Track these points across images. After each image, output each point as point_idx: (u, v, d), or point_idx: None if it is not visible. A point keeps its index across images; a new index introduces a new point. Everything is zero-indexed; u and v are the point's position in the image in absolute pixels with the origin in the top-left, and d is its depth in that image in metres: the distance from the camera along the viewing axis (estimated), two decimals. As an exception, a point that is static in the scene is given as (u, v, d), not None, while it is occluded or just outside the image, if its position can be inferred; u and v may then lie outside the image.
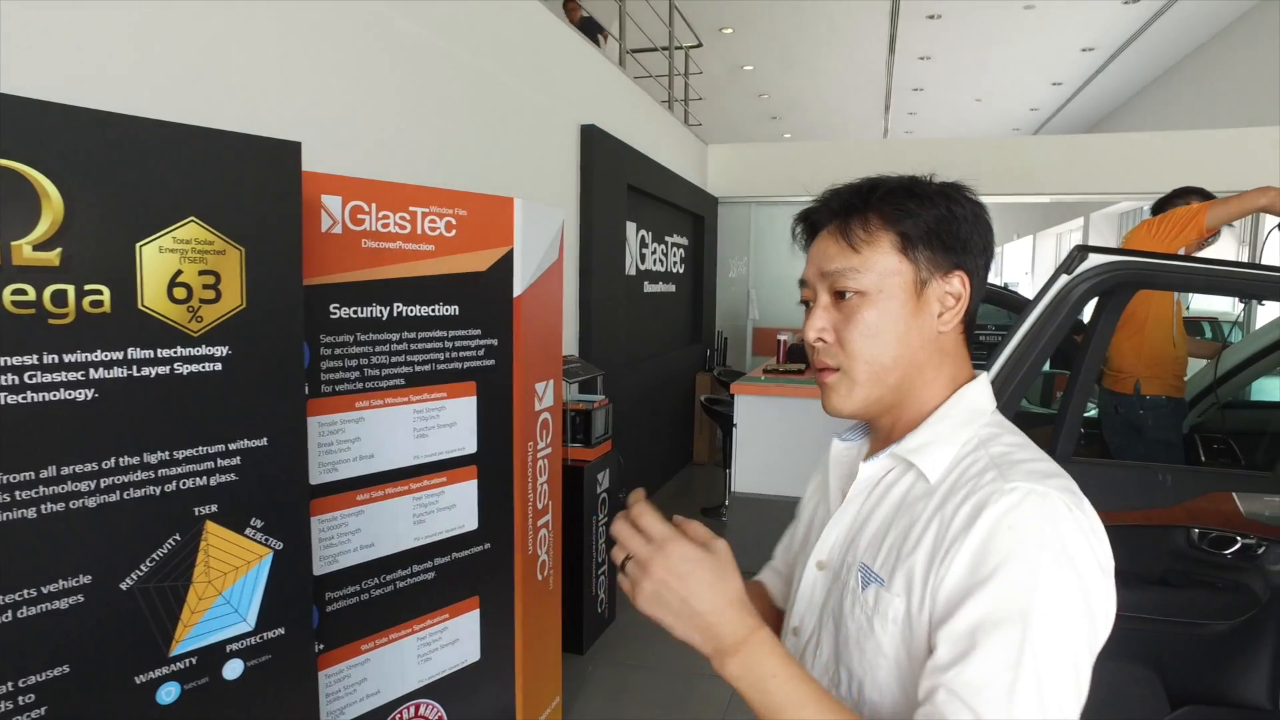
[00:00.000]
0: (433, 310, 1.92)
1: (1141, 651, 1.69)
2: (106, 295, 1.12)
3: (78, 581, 1.10)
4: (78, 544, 1.10)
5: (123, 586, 1.15)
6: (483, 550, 2.09)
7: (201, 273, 1.23)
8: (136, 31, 1.75)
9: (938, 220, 0.76)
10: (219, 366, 1.26)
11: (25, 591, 1.05)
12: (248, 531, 1.31)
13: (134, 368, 1.15)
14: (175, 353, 1.20)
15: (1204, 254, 2.53)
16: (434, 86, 2.89)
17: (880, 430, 0.83)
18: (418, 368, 1.90)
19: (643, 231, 5.40)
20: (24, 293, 1.03)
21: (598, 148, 4.26)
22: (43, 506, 1.06)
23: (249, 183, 1.29)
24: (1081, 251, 1.57)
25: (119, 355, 1.13)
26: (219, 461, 1.27)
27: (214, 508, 1.26)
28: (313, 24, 2.27)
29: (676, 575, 0.67)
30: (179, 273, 1.20)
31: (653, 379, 5.50)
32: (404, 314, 1.86)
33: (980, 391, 0.79)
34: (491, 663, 2.13)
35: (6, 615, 1.04)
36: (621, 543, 0.70)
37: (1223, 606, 1.68)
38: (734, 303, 7.65)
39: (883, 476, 0.80)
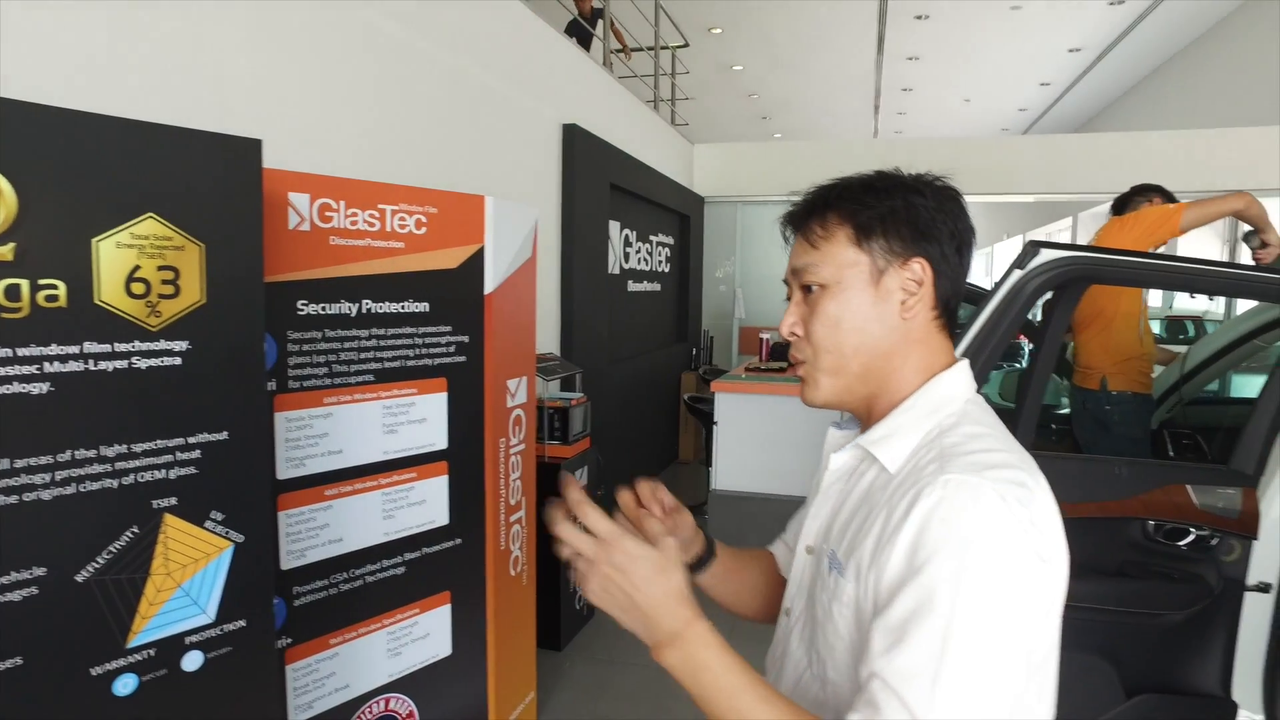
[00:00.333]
0: (402, 307, 1.93)
1: (1096, 642, 1.72)
2: (62, 290, 1.13)
3: (31, 574, 1.11)
4: (31, 537, 1.11)
5: (78, 579, 1.16)
6: (454, 545, 2.10)
7: (160, 268, 1.24)
8: (110, 30, 1.75)
9: (892, 210, 0.78)
10: (178, 361, 1.27)
11: (-22, 583, 1.06)
12: (207, 524, 1.32)
13: (90, 361, 1.16)
14: (133, 347, 1.21)
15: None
16: (414, 86, 2.90)
17: (863, 420, 0.85)
18: (387, 364, 1.92)
19: (626, 231, 5.41)
20: (-23, 287, 1.04)
21: (579, 147, 4.27)
22: (-4, 499, 1.07)
23: (209, 179, 1.30)
24: (1034, 247, 1.60)
25: (75, 349, 1.14)
26: (178, 455, 1.28)
27: (173, 500, 1.27)
28: (292, 24, 2.28)
29: (619, 570, 0.71)
30: (137, 268, 1.21)
31: (638, 377, 5.52)
32: (373, 311, 1.87)
33: (953, 380, 0.79)
34: (463, 658, 2.15)
35: (-40, 606, 1.05)
36: (567, 541, 0.73)
37: (1176, 597, 1.71)
38: (721, 302, 7.68)
39: (855, 466, 0.82)
